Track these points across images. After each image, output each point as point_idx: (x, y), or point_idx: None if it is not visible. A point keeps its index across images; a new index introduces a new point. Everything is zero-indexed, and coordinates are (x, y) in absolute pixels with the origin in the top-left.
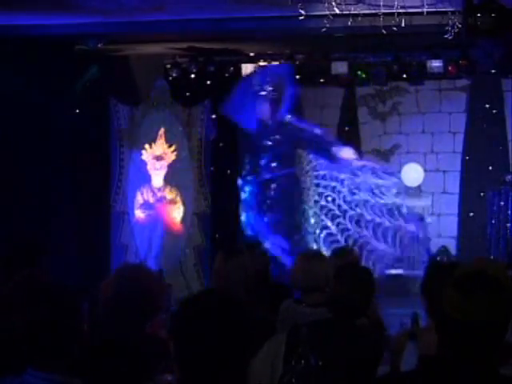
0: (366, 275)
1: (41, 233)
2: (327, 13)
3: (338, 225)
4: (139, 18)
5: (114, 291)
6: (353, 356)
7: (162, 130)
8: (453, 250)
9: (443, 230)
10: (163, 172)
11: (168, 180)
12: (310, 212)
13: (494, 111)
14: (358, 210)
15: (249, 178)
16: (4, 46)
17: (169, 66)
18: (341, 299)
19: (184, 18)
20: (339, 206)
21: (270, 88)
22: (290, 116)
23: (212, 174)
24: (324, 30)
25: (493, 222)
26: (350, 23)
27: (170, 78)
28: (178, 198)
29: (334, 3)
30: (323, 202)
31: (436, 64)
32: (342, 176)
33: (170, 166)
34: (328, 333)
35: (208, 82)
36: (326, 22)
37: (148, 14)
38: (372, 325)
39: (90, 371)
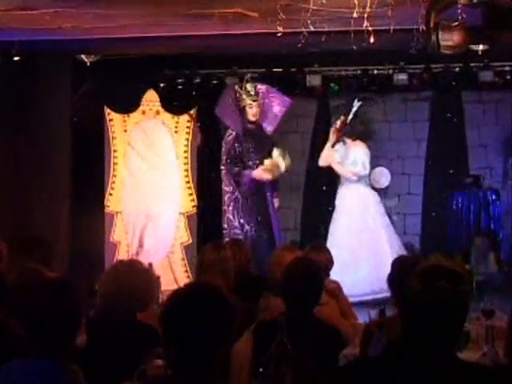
0: (315, 268)
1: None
2: (303, 30)
3: None
4: (132, 34)
5: (111, 285)
6: (316, 341)
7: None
8: (417, 246)
9: (408, 227)
10: None
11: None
12: None
13: (455, 120)
14: None
15: None
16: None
17: (158, 77)
18: (295, 292)
19: (173, 35)
20: None
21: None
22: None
23: (197, 177)
24: (300, 45)
25: (452, 220)
26: (323, 40)
27: (159, 89)
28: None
29: (308, 21)
30: None
31: (401, 77)
32: None
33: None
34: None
35: (194, 93)
36: (301, 38)
37: (141, 30)
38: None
39: (88, 357)
